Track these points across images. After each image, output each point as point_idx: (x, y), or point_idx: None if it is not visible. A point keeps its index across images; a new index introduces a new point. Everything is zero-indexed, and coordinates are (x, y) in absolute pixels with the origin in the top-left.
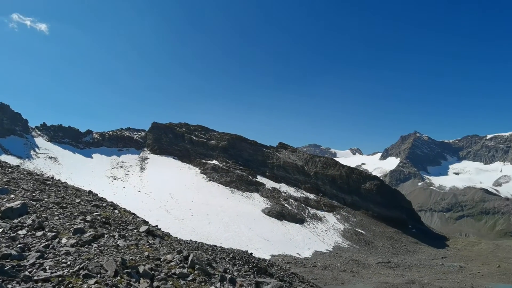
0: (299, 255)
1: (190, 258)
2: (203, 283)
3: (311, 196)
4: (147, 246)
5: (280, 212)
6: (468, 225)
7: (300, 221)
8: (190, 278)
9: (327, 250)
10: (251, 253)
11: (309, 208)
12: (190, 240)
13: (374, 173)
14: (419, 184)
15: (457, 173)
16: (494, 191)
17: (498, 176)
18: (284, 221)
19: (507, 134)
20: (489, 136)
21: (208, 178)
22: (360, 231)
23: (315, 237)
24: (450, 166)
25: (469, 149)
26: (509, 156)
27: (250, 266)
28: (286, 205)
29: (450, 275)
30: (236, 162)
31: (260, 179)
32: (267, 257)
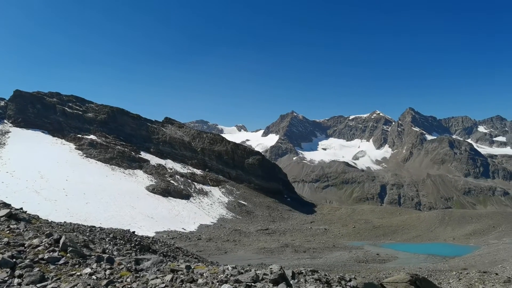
0: (185, 229)
1: (61, 241)
2: (77, 266)
3: (198, 171)
4: (7, 232)
5: (166, 188)
6: (332, 193)
7: (186, 196)
8: (61, 261)
9: (212, 222)
10: (133, 232)
11: (196, 184)
12: (64, 222)
13: (256, 149)
14: (294, 158)
15: (324, 149)
16: (353, 164)
17: (356, 151)
18: (169, 197)
19: (365, 115)
20: (351, 117)
21: (84, 155)
22: (243, 202)
23: (201, 211)
24: (319, 143)
25: (335, 128)
26: (366, 134)
27: (132, 245)
28: (172, 181)
29: (317, 237)
30: (117, 137)
31: (144, 155)
32: (151, 234)
